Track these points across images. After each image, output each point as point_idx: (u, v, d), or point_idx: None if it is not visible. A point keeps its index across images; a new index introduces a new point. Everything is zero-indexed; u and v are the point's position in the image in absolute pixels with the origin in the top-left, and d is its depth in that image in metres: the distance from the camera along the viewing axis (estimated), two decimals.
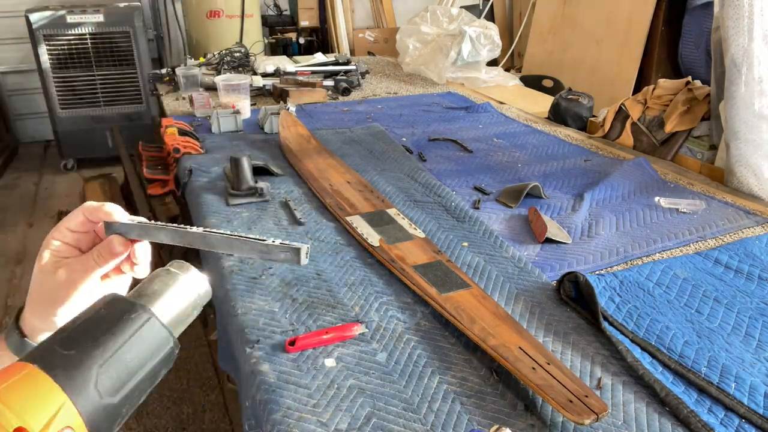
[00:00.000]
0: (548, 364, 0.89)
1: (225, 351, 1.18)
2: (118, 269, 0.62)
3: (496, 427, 0.73)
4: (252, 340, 1.00)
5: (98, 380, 0.44)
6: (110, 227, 0.60)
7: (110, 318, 0.47)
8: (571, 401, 0.81)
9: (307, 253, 0.53)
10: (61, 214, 3.84)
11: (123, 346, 0.46)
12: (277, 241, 0.54)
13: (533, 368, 0.88)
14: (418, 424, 0.83)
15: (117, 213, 0.59)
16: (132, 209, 3.33)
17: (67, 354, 0.43)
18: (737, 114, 1.62)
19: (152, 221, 0.59)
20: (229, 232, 0.56)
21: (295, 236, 1.37)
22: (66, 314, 0.59)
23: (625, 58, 3.41)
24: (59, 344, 0.44)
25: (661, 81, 2.09)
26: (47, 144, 5.32)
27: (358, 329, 1.01)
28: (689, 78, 2.05)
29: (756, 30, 1.55)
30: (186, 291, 0.54)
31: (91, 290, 0.60)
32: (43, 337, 0.60)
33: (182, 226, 0.58)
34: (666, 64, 3.38)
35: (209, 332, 2.20)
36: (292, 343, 0.97)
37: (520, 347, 0.93)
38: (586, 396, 0.82)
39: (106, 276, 0.62)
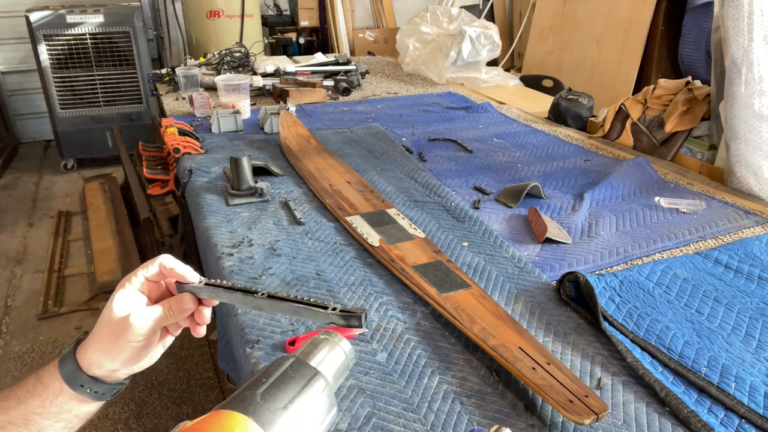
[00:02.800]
0: (548, 364, 0.89)
1: (225, 351, 1.18)
2: (175, 326, 0.70)
3: (496, 427, 0.73)
4: (252, 340, 1.00)
5: None
6: (182, 287, 0.68)
7: (298, 380, 0.53)
8: (571, 401, 0.81)
9: (365, 319, 0.61)
10: (61, 214, 3.84)
11: (310, 407, 0.52)
12: (338, 308, 0.61)
13: (533, 368, 0.88)
14: (418, 424, 0.83)
15: (189, 275, 0.68)
16: (132, 209, 3.33)
17: (273, 411, 0.49)
18: (737, 114, 1.62)
19: (219, 281, 0.67)
20: (295, 298, 0.63)
21: (296, 236, 1.37)
22: (126, 355, 0.66)
23: (625, 58, 3.41)
24: (263, 399, 0.50)
25: (661, 81, 2.09)
26: (47, 144, 5.32)
27: (358, 329, 1.01)
28: (689, 78, 2.05)
29: (756, 30, 1.55)
30: (341, 356, 0.60)
31: (152, 338, 0.67)
32: (98, 371, 0.67)
33: (248, 288, 0.65)
34: (666, 64, 3.38)
35: (209, 332, 2.20)
36: (292, 343, 0.98)
37: (520, 347, 0.93)
38: (586, 396, 0.82)
39: (165, 331, 0.69)
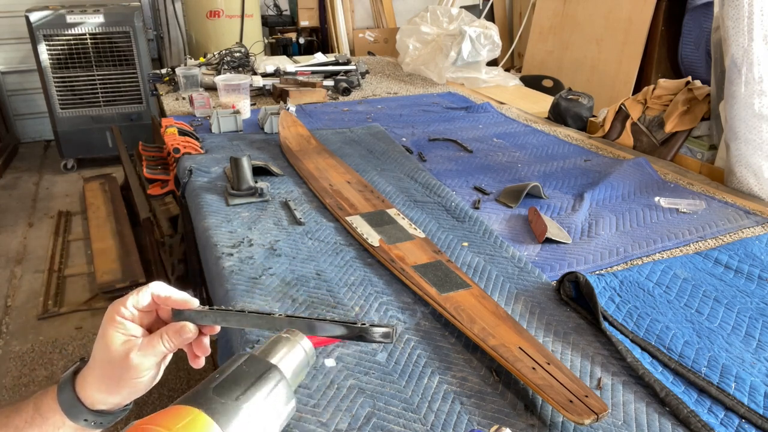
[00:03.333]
0: (548, 364, 0.89)
1: (225, 351, 1.18)
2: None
3: (496, 427, 0.73)
4: (252, 340, 1.00)
5: (248, 428, 0.51)
6: (180, 314, 0.65)
7: (252, 374, 0.54)
8: (571, 401, 0.81)
9: (396, 334, 0.60)
10: (61, 214, 3.84)
11: (264, 399, 0.53)
12: (368, 323, 0.60)
13: (533, 368, 0.88)
14: (418, 424, 0.83)
15: (192, 302, 0.65)
16: (132, 209, 3.33)
17: (224, 403, 0.50)
18: (737, 114, 1.62)
19: (226, 307, 0.65)
20: (314, 317, 0.62)
21: (296, 236, 1.37)
22: (132, 390, 0.64)
23: (625, 58, 3.41)
24: (215, 392, 0.51)
25: (661, 81, 2.09)
26: (47, 144, 5.32)
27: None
28: (689, 78, 2.05)
29: (756, 30, 1.55)
30: (300, 354, 0.60)
31: (156, 368, 0.65)
32: (103, 407, 0.65)
33: (264, 311, 0.64)
34: (666, 64, 3.38)
35: None
36: None
37: (520, 347, 0.93)
38: (586, 396, 0.82)
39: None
